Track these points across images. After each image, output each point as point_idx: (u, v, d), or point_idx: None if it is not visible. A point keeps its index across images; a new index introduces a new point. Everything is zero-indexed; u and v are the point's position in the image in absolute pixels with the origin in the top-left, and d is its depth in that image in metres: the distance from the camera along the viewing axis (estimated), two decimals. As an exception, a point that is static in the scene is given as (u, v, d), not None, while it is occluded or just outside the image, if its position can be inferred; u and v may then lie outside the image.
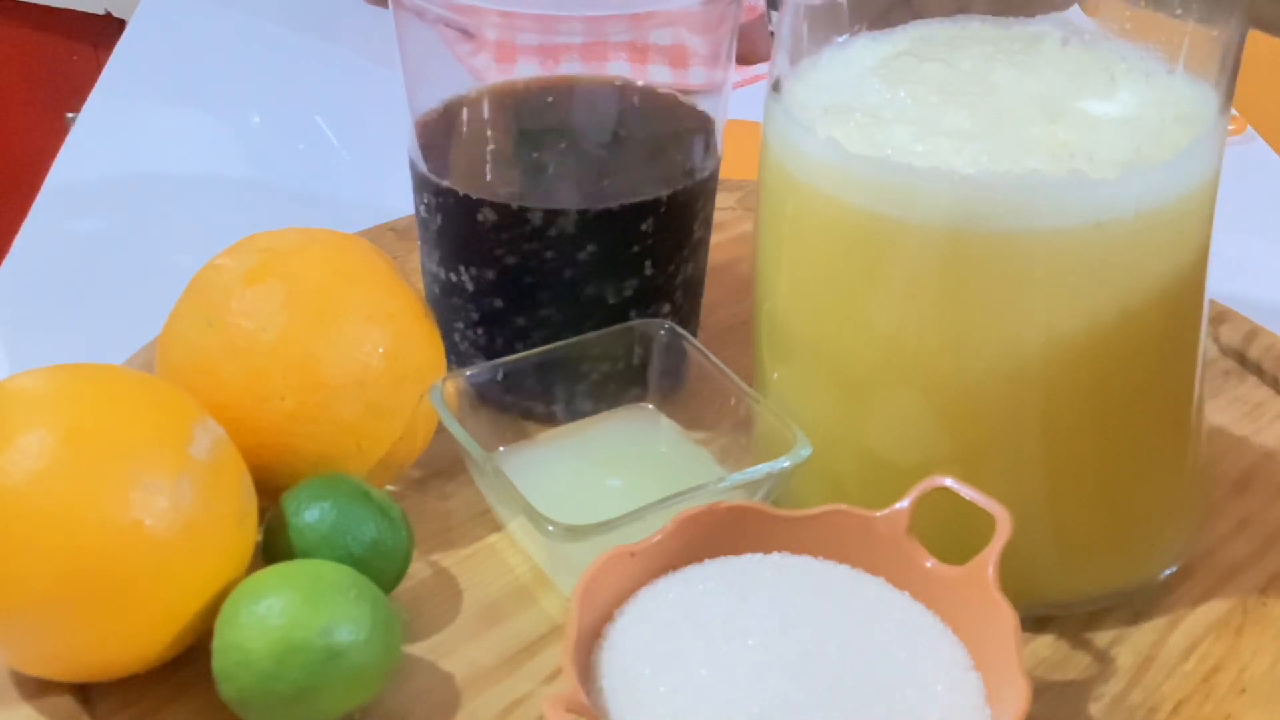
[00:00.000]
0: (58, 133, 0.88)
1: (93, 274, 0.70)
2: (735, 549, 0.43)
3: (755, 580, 0.42)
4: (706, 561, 0.43)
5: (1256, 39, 0.44)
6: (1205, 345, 0.47)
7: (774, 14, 0.46)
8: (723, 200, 0.71)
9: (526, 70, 0.53)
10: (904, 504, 0.42)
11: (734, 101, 0.87)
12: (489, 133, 0.55)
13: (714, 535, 0.43)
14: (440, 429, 0.48)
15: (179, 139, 0.85)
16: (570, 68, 0.53)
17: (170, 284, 0.49)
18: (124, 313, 0.64)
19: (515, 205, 0.50)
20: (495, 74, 0.53)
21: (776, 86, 0.46)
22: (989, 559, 0.40)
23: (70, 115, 0.91)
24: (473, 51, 0.53)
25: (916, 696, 0.38)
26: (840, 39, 0.46)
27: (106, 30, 1.38)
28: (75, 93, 0.96)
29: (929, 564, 0.42)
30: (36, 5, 1.50)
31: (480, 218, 0.51)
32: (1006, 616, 0.39)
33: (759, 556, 0.43)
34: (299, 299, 0.46)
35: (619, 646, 0.40)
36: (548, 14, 0.49)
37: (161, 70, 0.94)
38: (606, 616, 0.41)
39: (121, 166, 0.81)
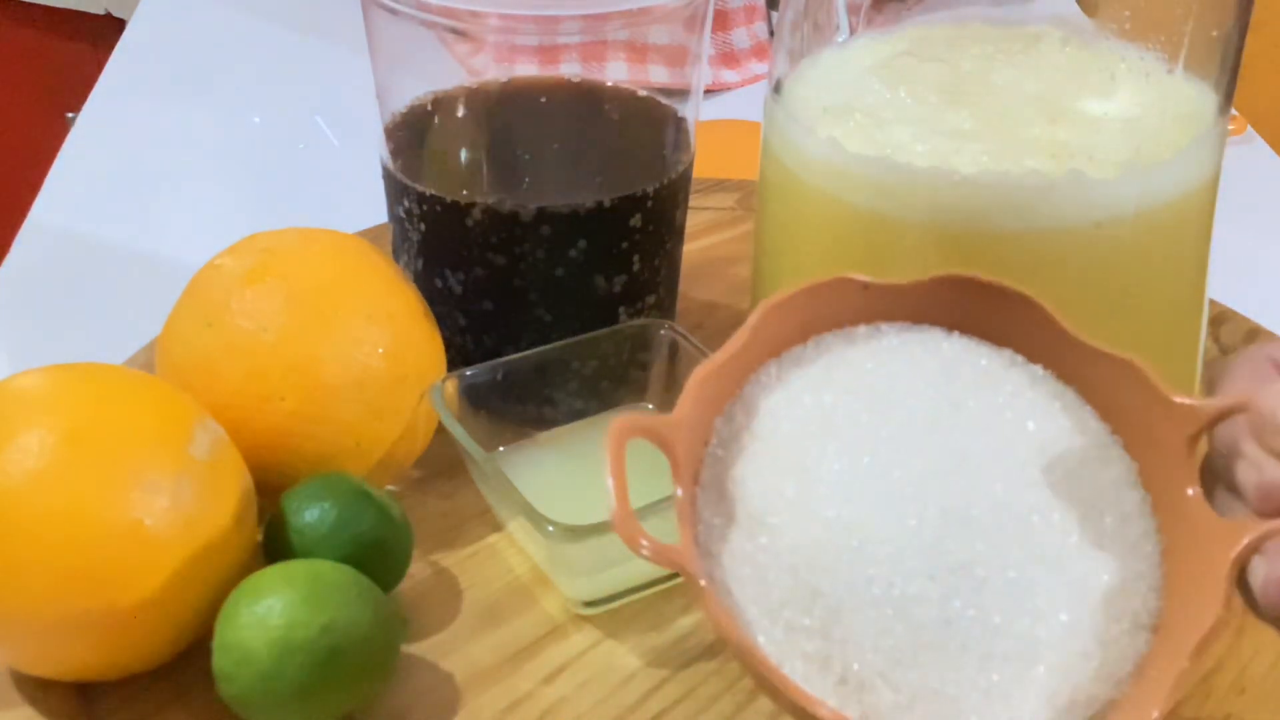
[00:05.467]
0: (58, 133, 0.88)
1: (93, 274, 0.70)
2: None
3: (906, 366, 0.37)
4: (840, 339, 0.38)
5: (1256, 39, 0.44)
6: (1205, 345, 0.47)
7: (774, 14, 0.46)
8: (722, 200, 0.72)
9: (524, 70, 0.53)
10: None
11: (734, 101, 0.88)
12: (476, 135, 0.55)
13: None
14: (440, 429, 0.48)
15: (179, 139, 0.85)
16: (527, 69, 0.53)
17: (170, 284, 0.49)
18: (124, 313, 0.64)
19: (507, 207, 0.50)
20: (494, 74, 0.53)
21: (777, 87, 0.46)
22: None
23: (70, 115, 0.91)
24: (471, 52, 0.53)
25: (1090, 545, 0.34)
26: (840, 39, 0.46)
27: (106, 30, 1.38)
28: (75, 93, 0.96)
29: (1190, 490, 0.36)
30: (36, 5, 1.50)
31: (469, 221, 0.51)
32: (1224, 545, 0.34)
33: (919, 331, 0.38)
34: (299, 299, 0.46)
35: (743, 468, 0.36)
36: (512, 13, 0.49)
37: (161, 70, 0.94)
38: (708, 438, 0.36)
39: (121, 166, 0.81)
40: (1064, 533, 0.34)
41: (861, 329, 0.38)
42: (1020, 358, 0.38)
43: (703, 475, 0.36)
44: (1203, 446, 0.36)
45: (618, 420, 0.34)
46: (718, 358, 0.36)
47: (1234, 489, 0.35)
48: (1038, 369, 0.38)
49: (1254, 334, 0.60)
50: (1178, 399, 0.36)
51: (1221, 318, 0.61)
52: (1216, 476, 0.36)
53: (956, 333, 0.38)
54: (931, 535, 0.34)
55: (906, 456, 0.35)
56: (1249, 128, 0.84)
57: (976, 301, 0.38)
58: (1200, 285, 0.45)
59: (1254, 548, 0.34)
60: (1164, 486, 0.36)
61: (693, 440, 0.35)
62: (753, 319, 0.37)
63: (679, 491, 0.35)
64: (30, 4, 1.50)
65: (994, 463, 0.35)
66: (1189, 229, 0.44)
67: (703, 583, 0.33)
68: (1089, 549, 0.34)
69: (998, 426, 0.36)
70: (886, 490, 0.34)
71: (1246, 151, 0.83)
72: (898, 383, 0.36)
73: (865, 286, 0.38)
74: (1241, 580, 0.34)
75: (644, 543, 0.33)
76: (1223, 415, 0.35)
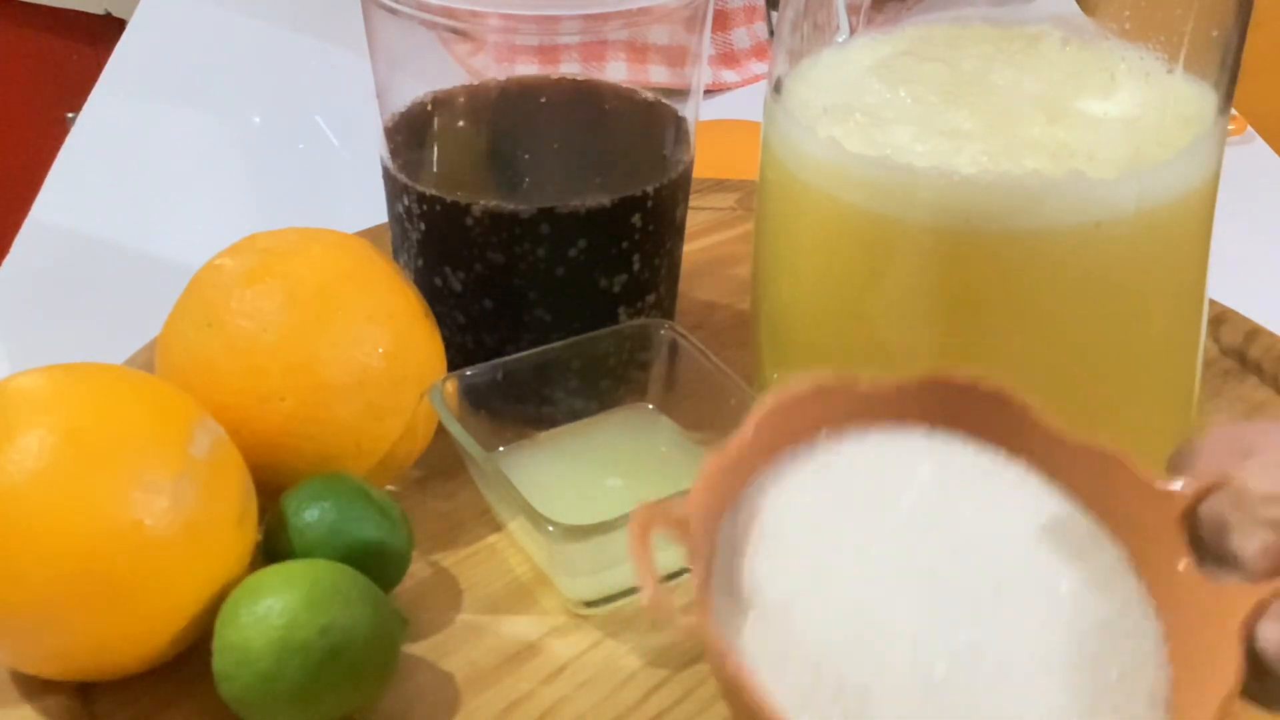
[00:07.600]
0: (58, 133, 0.88)
1: (93, 274, 0.70)
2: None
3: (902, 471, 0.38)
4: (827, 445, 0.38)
5: (1256, 39, 0.44)
6: (1205, 345, 0.47)
7: (774, 14, 0.46)
8: (722, 200, 0.72)
9: (524, 70, 0.54)
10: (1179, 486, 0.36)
11: (734, 101, 0.88)
12: (476, 135, 0.55)
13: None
14: (440, 429, 0.48)
15: (179, 139, 0.85)
16: (527, 68, 0.53)
17: (170, 284, 0.49)
18: (124, 313, 0.64)
19: (507, 206, 0.50)
20: (494, 74, 0.53)
21: (776, 86, 0.46)
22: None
23: (70, 115, 0.91)
24: (471, 52, 0.53)
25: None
26: (840, 39, 0.46)
27: (106, 30, 1.38)
28: (75, 93, 0.96)
29: (1181, 565, 0.36)
30: (36, 5, 1.50)
31: (469, 220, 0.51)
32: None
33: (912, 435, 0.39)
34: (299, 299, 0.46)
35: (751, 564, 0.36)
36: (512, 13, 0.49)
37: (161, 70, 0.94)
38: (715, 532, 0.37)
39: (121, 166, 0.81)
40: (1070, 618, 0.34)
41: (850, 432, 0.39)
42: (1003, 455, 0.38)
43: (714, 580, 0.36)
44: None
45: (638, 512, 0.34)
46: (718, 460, 0.37)
47: (1224, 561, 0.35)
48: (1020, 467, 0.38)
49: (1254, 334, 0.60)
50: (1161, 485, 0.36)
51: (1221, 318, 0.61)
52: (1202, 552, 0.36)
53: (941, 433, 0.38)
54: (947, 617, 0.34)
55: (910, 546, 0.35)
56: (1249, 128, 0.84)
57: (958, 401, 0.38)
58: (1200, 285, 0.45)
59: (1264, 607, 0.33)
60: (1157, 568, 0.36)
61: (705, 537, 0.35)
62: (747, 426, 0.38)
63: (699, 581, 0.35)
64: (30, 4, 1.50)
65: (990, 554, 0.35)
66: (1189, 229, 0.44)
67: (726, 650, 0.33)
68: (1094, 633, 0.34)
69: (987, 525, 0.36)
70: (898, 575, 0.34)
71: (1246, 151, 0.83)
72: (888, 483, 0.37)
73: (852, 390, 0.38)
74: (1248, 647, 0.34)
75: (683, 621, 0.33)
76: (1204, 494, 0.36)
